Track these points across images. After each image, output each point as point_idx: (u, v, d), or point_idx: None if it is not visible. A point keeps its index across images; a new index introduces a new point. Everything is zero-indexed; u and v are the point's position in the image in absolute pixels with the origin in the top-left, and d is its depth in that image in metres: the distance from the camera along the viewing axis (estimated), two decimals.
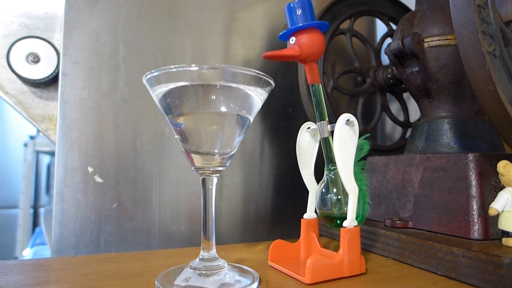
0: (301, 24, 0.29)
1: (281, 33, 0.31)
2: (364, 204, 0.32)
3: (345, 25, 0.55)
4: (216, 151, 0.28)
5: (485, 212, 0.31)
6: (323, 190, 0.33)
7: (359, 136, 0.32)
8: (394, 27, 0.58)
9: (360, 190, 0.32)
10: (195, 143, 0.28)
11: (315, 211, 0.35)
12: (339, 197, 0.32)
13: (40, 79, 0.48)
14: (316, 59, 0.31)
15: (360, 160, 0.33)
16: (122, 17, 0.49)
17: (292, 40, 0.30)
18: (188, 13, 0.52)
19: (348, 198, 0.30)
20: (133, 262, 0.35)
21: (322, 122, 0.32)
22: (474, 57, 0.27)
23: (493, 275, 0.25)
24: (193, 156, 0.29)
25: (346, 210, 0.30)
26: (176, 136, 0.29)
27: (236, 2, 0.56)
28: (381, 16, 0.58)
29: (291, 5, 0.30)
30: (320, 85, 0.32)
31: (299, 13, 0.29)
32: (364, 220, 0.32)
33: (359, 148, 0.33)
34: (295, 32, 0.30)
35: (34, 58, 0.48)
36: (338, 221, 0.31)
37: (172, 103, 0.28)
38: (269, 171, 0.56)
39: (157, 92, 0.28)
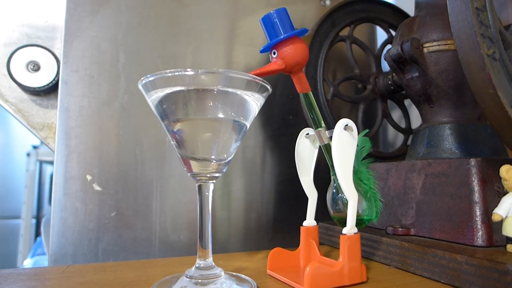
0: (281, 37, 0.28)
1: (262, 48, 0.30)
2: (376, 201, 0.32)
3: (345, 32, 0.55)
4: (212, 157, 0.28)
5: (488, 218, 0.31)
6: (333, 190, 0.33)
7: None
8: (394, 33, 0.58)
9: (370, 188, 0.32)
10: (191, 149, 0.28)
11: (315, 219, 0.35)
12: None
13: (40, 87, 0.48)
14: (302, 68, 0.30)
15: (364, 159, 0.33)
16: (123, 26, 0.49)
17: (274, 53, 0.29)
18: (188, 21, 0.53)
19: (361, 199, 0.30)
20: (129, 271, 0.34)
21: (319, 129, 0.31)
22: (474, 60, 0.27)
23: (498, 283, 0.25)
24: (190, 162, 0.28)
25: (360, 211, 0.31)
26: (172, 142, 0.29)
27: (236, 10, 0.56)
28: (381, 23, 0.58)
29: (266, 18, 0.29)
30: (311, 92, 0.31)
31: (276, 25, 0.28)
32: (378, 217, 0.32)
33: (360, 147, 0.32)
34: (276, 44, 0.29)
35: (34, 66, 0.48)
36: None
37: (168, 108, 0.27)
38: (270, 179, 0.55)
39: (153, 98, 0.28)
